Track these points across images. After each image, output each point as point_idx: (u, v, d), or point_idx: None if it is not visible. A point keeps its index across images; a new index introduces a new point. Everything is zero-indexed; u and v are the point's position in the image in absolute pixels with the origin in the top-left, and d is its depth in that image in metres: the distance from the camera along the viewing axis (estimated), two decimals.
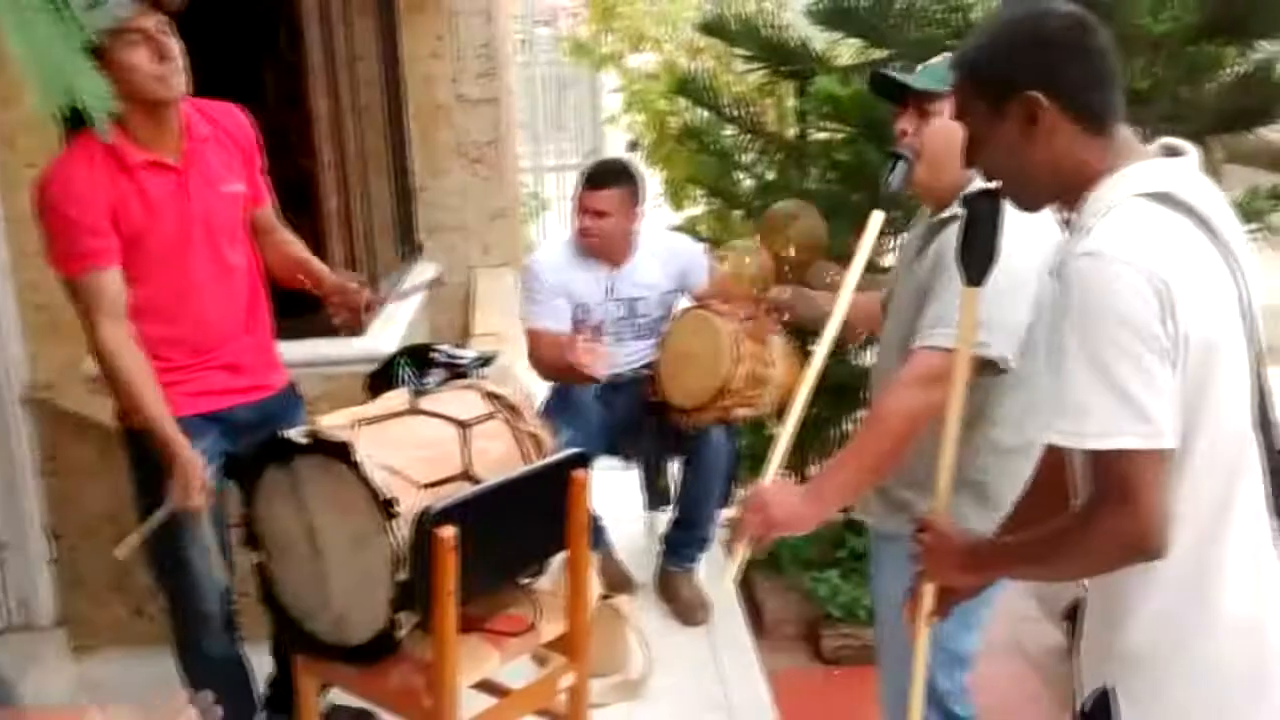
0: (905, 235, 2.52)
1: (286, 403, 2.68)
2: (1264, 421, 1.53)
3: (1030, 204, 1.64)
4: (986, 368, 2.05)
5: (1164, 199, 1.47)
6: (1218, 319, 1.45)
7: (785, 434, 2.18)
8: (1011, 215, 1.70)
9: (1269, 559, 1.55)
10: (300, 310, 2.87)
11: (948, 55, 2.29)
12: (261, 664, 2.75)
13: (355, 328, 2.77)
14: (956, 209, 2.12)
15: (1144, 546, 1.43)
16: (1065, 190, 1.56)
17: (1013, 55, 1.54)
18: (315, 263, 2.74)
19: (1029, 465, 2.13)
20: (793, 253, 2.81)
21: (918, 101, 2.17)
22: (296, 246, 2.76)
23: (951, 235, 2.07)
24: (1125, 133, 1.55)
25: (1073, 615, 3.55)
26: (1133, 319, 1.39)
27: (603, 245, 3.53)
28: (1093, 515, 1.45)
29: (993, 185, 1.67)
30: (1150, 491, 1.41)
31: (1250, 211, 3.18)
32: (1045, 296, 2.02)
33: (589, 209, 3.50)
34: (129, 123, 2.36)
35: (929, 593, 1.85)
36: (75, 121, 2.07)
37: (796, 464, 4.05)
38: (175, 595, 2.61)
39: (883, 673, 2.47)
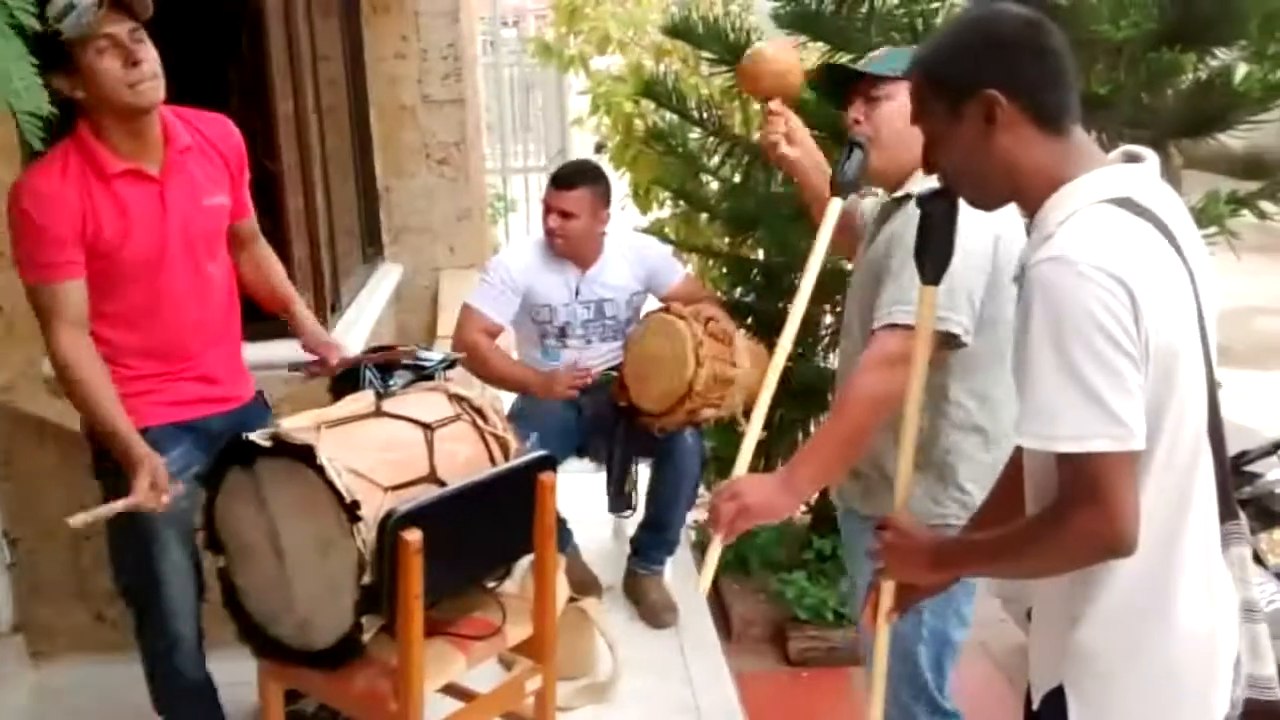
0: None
1: (256, 412, 2.65)
2: (1214, 429, 1.55)
3: (986, 204, 1.65)
4: (946, 343, 2.06)
5: (1126, 204, 1.49)
6: (1179, 326, 1.47)
7: (753, 428, 2.19)
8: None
9: (1219, 564, 1.58)
10: (262, 313, 2.84)
11: (889, 49, 2.34)
12: (225, 671, 2.71)
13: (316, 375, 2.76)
14: (910, 188, 2.16)
15: (1115, 546, 1.45)
16: (1022, 192, 1.57)
17: (970, 55, 1.55)
18: (297, 303, 2.75)
19: (986, 446, 2.19)
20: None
21: (865, 89, 2.21)
22: (276, 271, 2.76)
23: (903, 217, 2.12)
24: (1083, 137, 1.57)
25: None
26: (1102, 321, 1.40)
27: (570, 246, 3.53)
28: (1064, 516, 1.46)
29: (946, 186, 1.69)
30: (1121, 492, 1.43)
31: (1210, 216, 3.22)
32: (1001, 274, 2.06)
33: (556, 209, 3.50)
34: (106, 131, 2.32)
35: (888, 590, 1.86)
36: (59, 127, 2.05)
37: (764, 468, 4.06)
38: (146, 613, 2.56)
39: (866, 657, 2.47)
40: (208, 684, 2.62)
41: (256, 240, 2.74)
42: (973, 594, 2.30)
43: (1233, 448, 2.44)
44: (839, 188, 2.20)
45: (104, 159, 2.32)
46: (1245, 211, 3.35)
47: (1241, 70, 3.25)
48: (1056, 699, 1.60)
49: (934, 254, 1.75)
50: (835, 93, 2.32)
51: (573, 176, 3.55)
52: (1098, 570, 1.52)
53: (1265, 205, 3.35)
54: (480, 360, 3.52)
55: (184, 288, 2.46)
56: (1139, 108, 3.26)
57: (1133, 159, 1.59)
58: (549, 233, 3.53)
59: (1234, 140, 3.62)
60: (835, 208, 2.20)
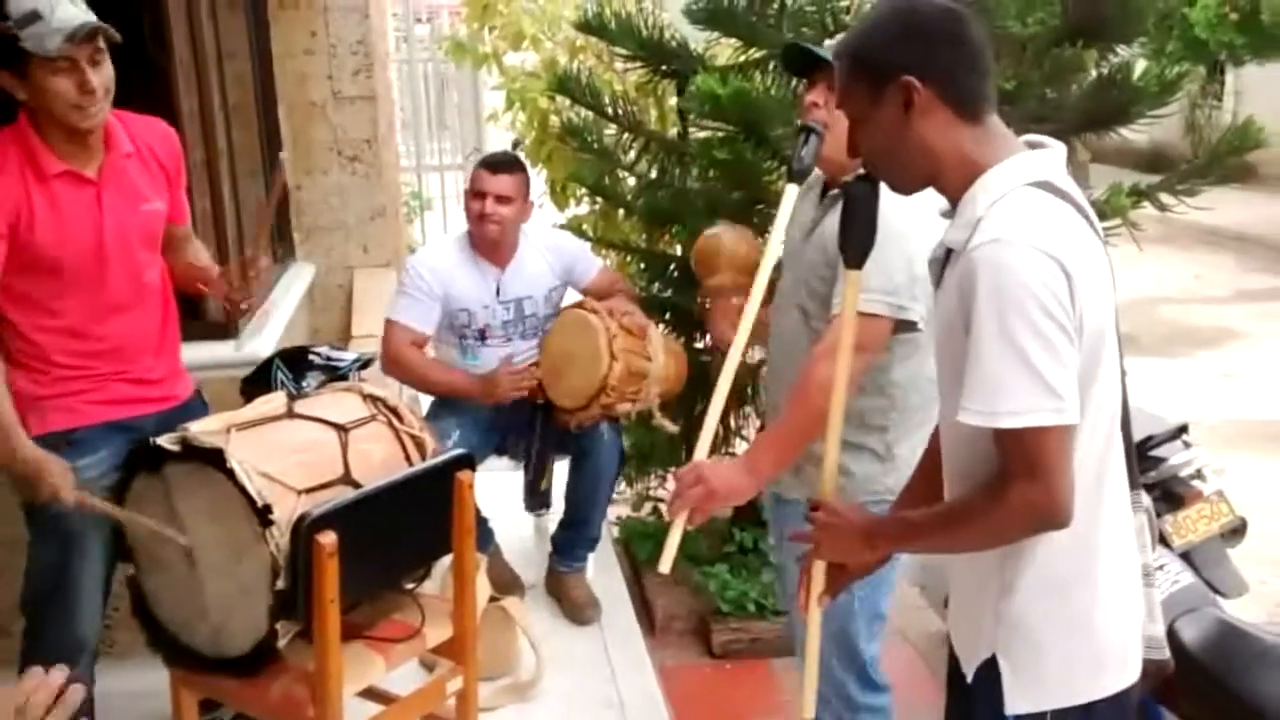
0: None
1: (194, 411, 2.60)
2: (1122, 404, 1.63)
3: (905, 187, 1.69)
4: (903, 329, 2.14)
5: (1049, 188, 1.55)
6: (1103, 307, 1.54)
7: (711, 414, 2.20)
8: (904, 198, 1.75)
9: (1131, 532, 1.67)
10: (199, 313, 2.79)
11: None
12: (135, 681, 2.63)
13: (250, 300, 2.72)
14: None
15: (1053, 517, 1.51)
16: (942, 176, 1.62)
17: (890, 42, 1.60)
18: (210, 267, 2.72)
19: (921, 425, 2.24)
20: (728, 280, 2.76)
21: (828, 76, 2.21)
22: (202, 255, 2.74)
23: None
24: (999, 124, 1.62)
25: None
26: (1043, 299, 1.45)
27: (502, 234, 3.48)
28: (1004, 489, 1.51)
29: (867, 170, 1.72)
30: (1059, 464, 1.48)
31: (1113, 208, 3.30)
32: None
33: (491, 194, 3.44)
34: (48, 132, 2.31)
35: (819, 573, 1.87)
36: None
37: (681, 460, 4.07)
38: (46, 624, 2.47)
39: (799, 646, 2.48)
40: (89, 703, 2.54)
41: (190, 242, 2.71)
42: (895, 563, 2.34)
43: (1139, 433, 2.52)
44: (795, 174, 2.21)
45: (44, 159, 2.31)
46: (1147, 204, 3.44)
47: (1141, 66, 3.35)
48: (989, 669, 1.64)
49: (857, 238, 1.78)
50: (800, 70, 2.34)
51: (505, 162, 3.53)
52: (1027, 541, 1.57)
53: (1165, 198, 3.43)
54: (413, 373, 3.50)
55: (123, 292, 2.44)
56: (1043, 103, 3.33)
57: (1036, 147, 1.63)
58: (481, 219, 3.46)
59: (1138, 135, 3.72)
60: (791, 193, 2.22)
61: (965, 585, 1.73)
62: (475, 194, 3.49)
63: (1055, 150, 1.63)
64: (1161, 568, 2.60)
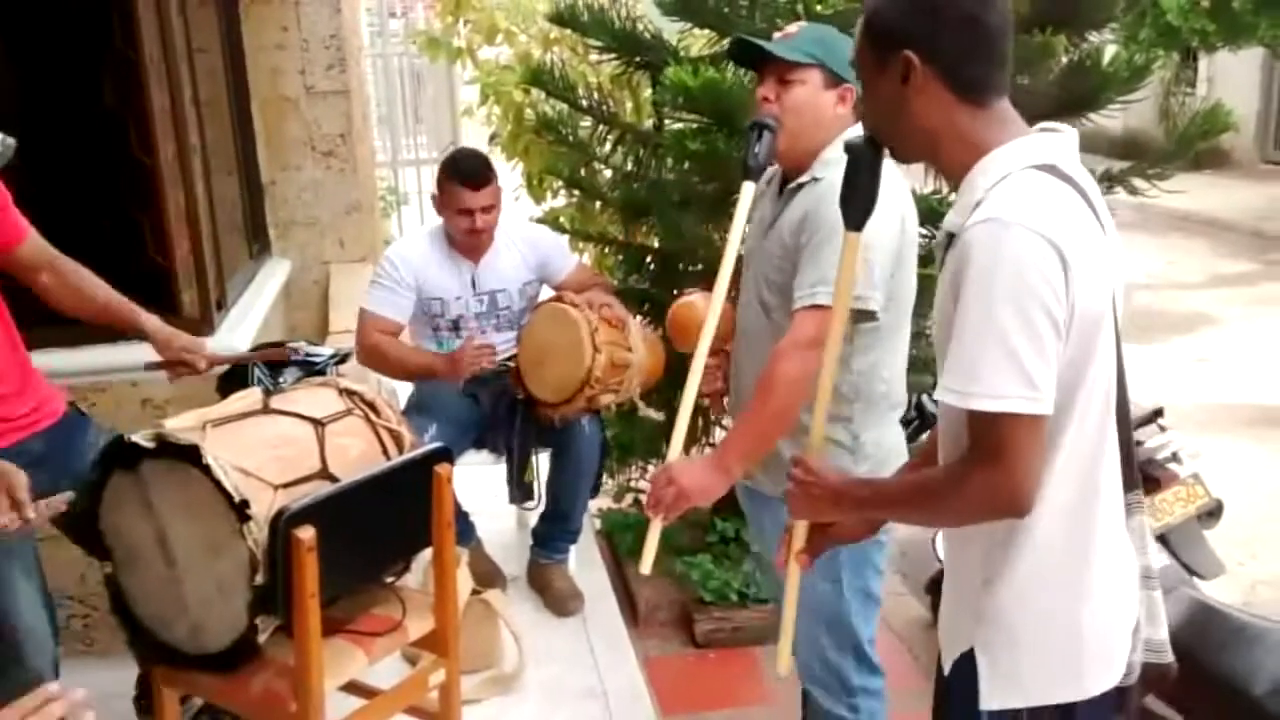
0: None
1: (76, 424, 2.50)
2: (1120, 401, 1.59)
3: (904, 156, 1.69)
4: (861, 318, 2.14)
5: (1052, 171, 1.51)
6: (1100, 293, 1.49)
7: (683, 414, 2.21)
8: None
9: (1124, 532, 1.63)
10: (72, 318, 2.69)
11: (805, 25, 2.35)
12: (117, 680, 2.63)
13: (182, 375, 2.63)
14: (815, 173, 2.19)
15: (1012, 506, 1.49)
16: (941, 155, 1.59)
17: (900, 13, 1.56)
18: (127, 307, 2.55)
19: (886, 414, 2.27)
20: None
21: (779, 69, 2.21)
22: (99, 287, 2.54)
23: (813, 198, 2.16)
24: (1007, 109, 1.58)
25: (936, 589, 3.66)
26: (1033, 284, 1.42)
27: (490, 238, 3.52)
28: (968, 470, 1.50)
29: (871, 134, 1.70)
30: (1026, 453, 1.46)
31: None
32: (905, 250, 2.16)
33: (478, 208, 3.44)
34: None
35: (800, 531, 1.85)
36: None
37: (663, 451, 4.08)
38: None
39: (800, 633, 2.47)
40: None
41: (55, 259, 2.49)
42: (883, 546, 2.36)
43: None
44: (750, 171, 2.21)
45: None
46: (1120, 189, 3.46)
47: (1110, 52, 3.37)
48: (966, 663, 1.62)
49: (859, 199, 1.75)
50: (749, 63, 2.34)
51: (483, 171, 3.50)
52: (1014, 534, 1.55)
53: (1138, 183, 3.46)
54: (388, 360, 3.50)
55: None
56: (1014, 89, 3.34)
57: (1049, 132, 1.60)
58: (473, 232, 3.47)
59: (1112, 122, 3.74)
60: (748, 191, 2.22)
61: (952, 577, 1.71)
62: (461, 212, 3.46)
63: (1063, 135, 1.59)
64: None
